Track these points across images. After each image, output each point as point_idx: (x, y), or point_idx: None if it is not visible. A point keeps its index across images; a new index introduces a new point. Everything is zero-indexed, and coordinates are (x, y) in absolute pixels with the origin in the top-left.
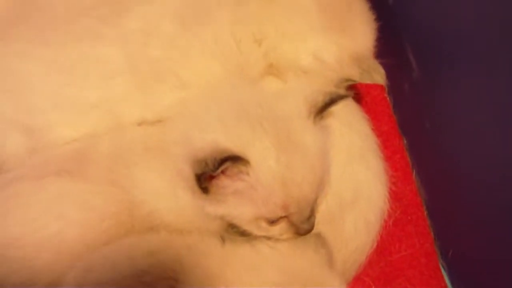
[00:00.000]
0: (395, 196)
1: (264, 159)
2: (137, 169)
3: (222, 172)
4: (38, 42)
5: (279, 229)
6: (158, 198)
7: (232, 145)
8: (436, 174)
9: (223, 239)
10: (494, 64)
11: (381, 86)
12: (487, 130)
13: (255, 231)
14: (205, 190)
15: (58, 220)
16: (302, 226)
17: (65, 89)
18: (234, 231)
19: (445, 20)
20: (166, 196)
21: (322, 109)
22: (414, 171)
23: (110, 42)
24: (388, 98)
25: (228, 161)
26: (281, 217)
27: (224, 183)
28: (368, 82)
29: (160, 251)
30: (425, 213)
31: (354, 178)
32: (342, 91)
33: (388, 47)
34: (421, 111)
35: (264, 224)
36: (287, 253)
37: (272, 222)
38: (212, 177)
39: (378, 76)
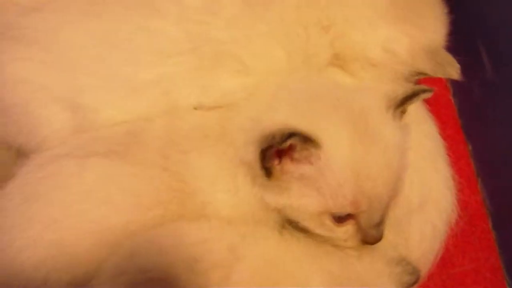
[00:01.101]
0: (460, 204)
1: (337, 144)
2: (193, 155)
3: (289, 154)
4: (91, 13)
5: (345, 231)
6: (215, 187)
7: (303, 126)
8: (503, 184)
9: (280, 231)
10: None
11: (446, 87)
12: None
13: (317, 229)
14: (268, 172)
15: (102, 205)
16: (370, 231)
17: (118, 66)
18: (293, 226)
19: None
20: (224, 185)
21: (402, 102)
22: (479, 179)
23: (170, 18)
24: (453, 100)
25: (296, 136)
26: (349, 217)
27: (290, 167)
28: (441, 76)
29: (212, 238)
30: (490, 225)
31: (422, 180)
32: (424, 86)
33: (458, 43)
34: (490, 115)
35: (328, 222)
36: (352, 254)
37: (339, 220)
38: (277, 157)
39: (452, 70)
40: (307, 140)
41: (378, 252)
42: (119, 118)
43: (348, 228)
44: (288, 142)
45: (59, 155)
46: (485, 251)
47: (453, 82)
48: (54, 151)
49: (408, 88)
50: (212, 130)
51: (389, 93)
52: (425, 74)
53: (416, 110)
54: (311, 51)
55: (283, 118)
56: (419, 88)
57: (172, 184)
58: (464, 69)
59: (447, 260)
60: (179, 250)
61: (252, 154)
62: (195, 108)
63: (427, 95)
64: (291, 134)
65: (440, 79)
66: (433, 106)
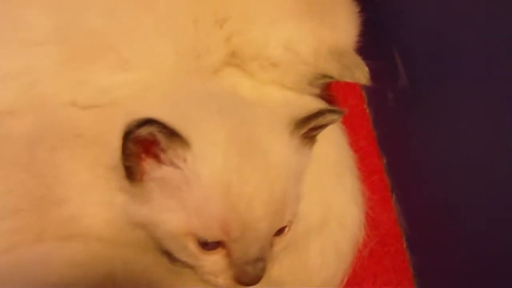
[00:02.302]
0: (371, 223)
1: (209, 149)
2: (63, 156)
3: (154, 152)
4: None
5: (213, 262)
6: (86, 197)
7: (173, 121)
8: (419, 201)
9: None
10: (496, 74)
11: (360, 95)
12: (484, 153)
13: (179, 254)
14: (129, 172)
15: None
16: (244, 268)
17: None
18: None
19: (440, 18)
20: (98, 197)
21: (303, 121)
22: (393, 196)
23: (39, 4)
24: (367, 110)
25: (155, 125)
26: (218, 244)
27: (152, 169)
28: (349, 80)
29: (88, 262)
30: (405, 245)
31: (325, 196)
32: (332, 107)
33: (371, 46)
34: (406, 126)
35: (192, 247)
36: None
37: (206, 246)
38: (142, 156)
39: (360, 74)
40: (174, 136)
41: None
42: None
43: (216, 259)
44: (146, 130)
45: None
46: (398, 274)
47: (368, 91)
48: None
49: (315, 109)
50: (86, 130)
51: (293, 111)
52: (330, 77)
53: None
54: (202, 48)
55: (155, 113)
56: (326, 108)
57: (34, 189)
58: (378, 76)
59: (357, 283)
60: (46, 276)
61: (118, 152)
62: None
63: (334, 118)
64: (149, 121)
65: (354, 87)
66: (346, 116)
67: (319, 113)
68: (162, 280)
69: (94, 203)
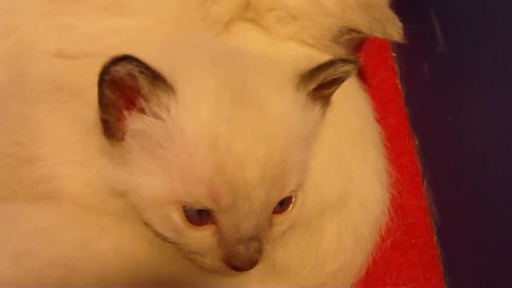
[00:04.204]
0: (397, 209)
1: (196, 97)
2: (38, 111)
3: (135, 101)
4: None
5: (199, 239)
6: (61, 156)
7: (161, 66)
8: (454, 188)
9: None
10: None
11: (392, 68)
12: None
13: (160, 227)
14: (108, 130)
15: None
16: (236, 248)
17: None
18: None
19: None
20: (72, 156)
21: (311, 74)
22: (425, 181)
23: None
24: (400, 85)
25: (135, 63)
26: (208, 218)
27: (132, 121)
28: (379, 35)
29: (59, 226)
30: (435, 237)
31: (345, 167)
32: (346, 55)
33: (405, 8)
34: (442, 102)
35: (177, 219)
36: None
37: (193, 220)
38: (119, 111)
39: (393, 29)
40: (157, 80)
41: (287, 278)
42: None
43: (204, 236)
44: (123, 68)
45: None
46: (426, 270)
47: (401, 63)
48: None
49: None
50: (67, 82)
51: (301, 64)
52: (358, 31)
53: (346, 84)
54: None
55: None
56: (336, 58)
57: (4, 147)
58: (413, 42)
59: (378, 277)
60: (8, 238)
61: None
62: (54, 56)
63: (347, 69)
64: (127, 57)
65: (386, 58)
66: (375, 91)
67: (329, 64)
68: (142, 253)
69: (70, 163)
